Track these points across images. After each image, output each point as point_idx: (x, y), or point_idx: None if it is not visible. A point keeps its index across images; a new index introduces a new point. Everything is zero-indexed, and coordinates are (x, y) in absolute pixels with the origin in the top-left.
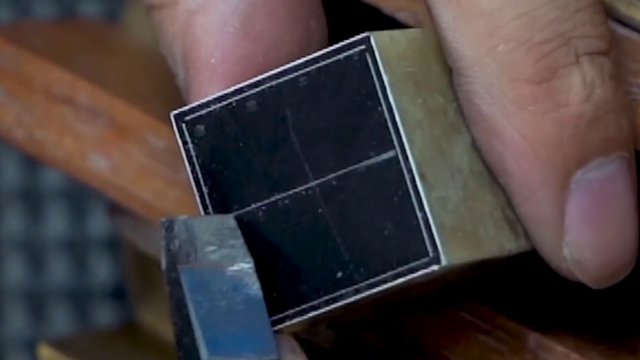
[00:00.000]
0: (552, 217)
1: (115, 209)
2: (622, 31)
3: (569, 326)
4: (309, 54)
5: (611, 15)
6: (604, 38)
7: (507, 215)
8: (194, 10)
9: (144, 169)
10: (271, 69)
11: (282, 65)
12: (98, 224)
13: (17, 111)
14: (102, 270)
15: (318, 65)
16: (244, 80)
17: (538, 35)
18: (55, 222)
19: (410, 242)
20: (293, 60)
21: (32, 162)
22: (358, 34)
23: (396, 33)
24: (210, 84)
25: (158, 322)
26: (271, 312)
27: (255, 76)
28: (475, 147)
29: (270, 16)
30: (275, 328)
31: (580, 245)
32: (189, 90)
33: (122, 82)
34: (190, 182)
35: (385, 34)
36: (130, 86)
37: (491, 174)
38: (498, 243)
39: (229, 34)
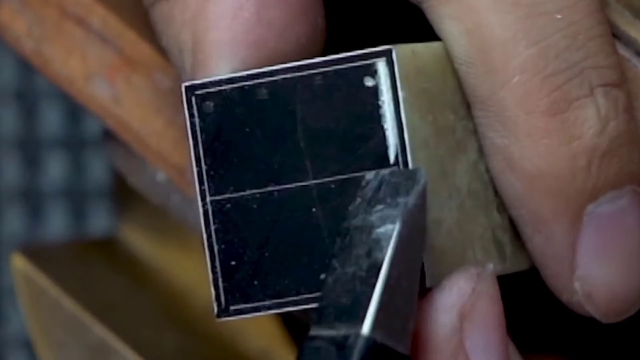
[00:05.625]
0: (563, 250)
1: (109, 135)
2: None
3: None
4: (313, 50)
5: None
6: (616, 69)
7: (497, 238)
8: None
9: (146, 105)
10: (280, 58)
11: (291, 55)
12: (97, 173)
13: (28, 21)
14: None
15: (336, 67)
16: (253, 67)
17: (551, 65)
18: (54, 171)
19: None
20: (301, 53)
21: (30, 113)
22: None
23: (419, 47)
24: (218, 67)
25: (136, 239)
26: (249, 299)
27: (265, 63)
28: (477, 167)
29: (284, 5)
30: (250, 316)
31: (591, 279)
32: (195, 76)
33: (137, 10)
34: (189, 155)
35: (408, 48)
36: (144, 17)
37: (488, 195)
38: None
39: (243, 19)
